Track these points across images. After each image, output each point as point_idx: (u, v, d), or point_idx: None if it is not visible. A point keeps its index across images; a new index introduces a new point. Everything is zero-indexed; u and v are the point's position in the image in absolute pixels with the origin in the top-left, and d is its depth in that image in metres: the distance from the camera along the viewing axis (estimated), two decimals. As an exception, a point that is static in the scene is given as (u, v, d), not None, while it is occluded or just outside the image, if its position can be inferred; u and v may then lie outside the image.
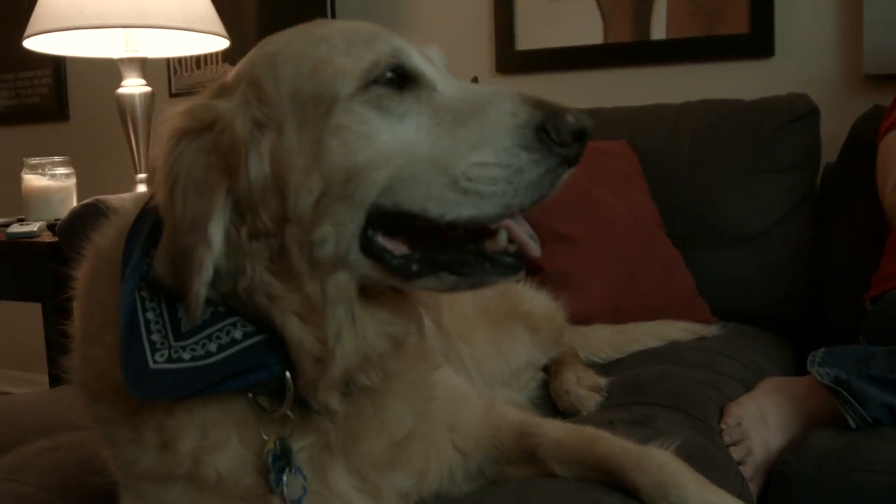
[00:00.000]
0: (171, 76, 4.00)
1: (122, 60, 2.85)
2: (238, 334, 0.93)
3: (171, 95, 4.00)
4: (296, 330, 0.93)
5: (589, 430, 1.21)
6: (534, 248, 0.96)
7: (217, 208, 0.89)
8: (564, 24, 3.17)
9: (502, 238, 0.95)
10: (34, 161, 2.66)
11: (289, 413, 0.97)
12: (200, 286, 0.89)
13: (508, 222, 0.95)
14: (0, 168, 4.07)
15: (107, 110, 3.35)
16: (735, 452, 1.55)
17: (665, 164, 2.59)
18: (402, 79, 0.94)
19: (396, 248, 0.94)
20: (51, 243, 2.29)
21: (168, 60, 3.97)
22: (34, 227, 2.41)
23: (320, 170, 0.91)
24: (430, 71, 0.97)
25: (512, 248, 0.95)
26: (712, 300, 2.43)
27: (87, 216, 2.08)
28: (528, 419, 1.25)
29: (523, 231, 0.96)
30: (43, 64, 4.35)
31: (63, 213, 2.53)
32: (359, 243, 0.93)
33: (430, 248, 0.94)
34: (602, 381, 1.70)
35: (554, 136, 0.89)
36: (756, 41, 2.86)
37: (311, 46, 0.96)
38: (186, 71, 3.96)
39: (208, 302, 0.92)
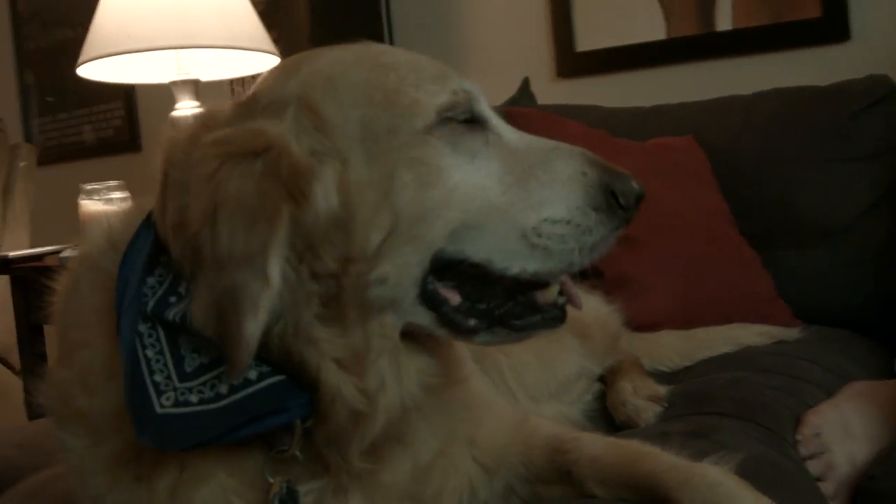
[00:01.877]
0: (233, 97, 4.00)
1: (174, 83, 2.84)
2: (252, 374, 0.83)
3: (234, 119, 4.00)
4: (333, 377, 0.84)
5: (632, 445, 1.08)
6: (579, 302, 0.96)
7: (278, 239, 0.79)
8: (625, 21, 3.04)
9: (554, 291, 0.94)
10: (90, 186, 2.66)
11: (297, 454, 0.89)
12: (255, 330, 0.78)
13: (563, 276, 0.93)
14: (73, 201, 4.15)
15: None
16: (813, 467, 1.39)
17: (736, 159, 2.42)
18: (472, 121, 0.92)
19: (451, 296, 0.89)
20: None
21: (231, 82, 3.98)
22: (86, 251, 2.40)
23: (391, 206, 0.85)
24: (495, 117, 0.95)
25: (561, 301, 0.94)
26: (793, 302, 2.23)
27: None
28: (563, 433, 1.12)
29: (572, 284, 0.96)
30: (115, 96, 4.43)
31: (117, 237, 2.52)
32: (418, 290, 0.88)
33: (478, 297, 0.90)
34: (661, 390, 1.56)
35: (622, 199, 0.90)
36: (829, 25, 2.67)
37: (377, 74, 0.90)
38: (248, 91, 3.96)
39: (210, 340, 0.82)
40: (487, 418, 1.09)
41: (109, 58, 2.66)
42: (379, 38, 3.38)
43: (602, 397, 1.66)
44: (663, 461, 1.03)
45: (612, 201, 0.90)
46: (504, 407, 1.16)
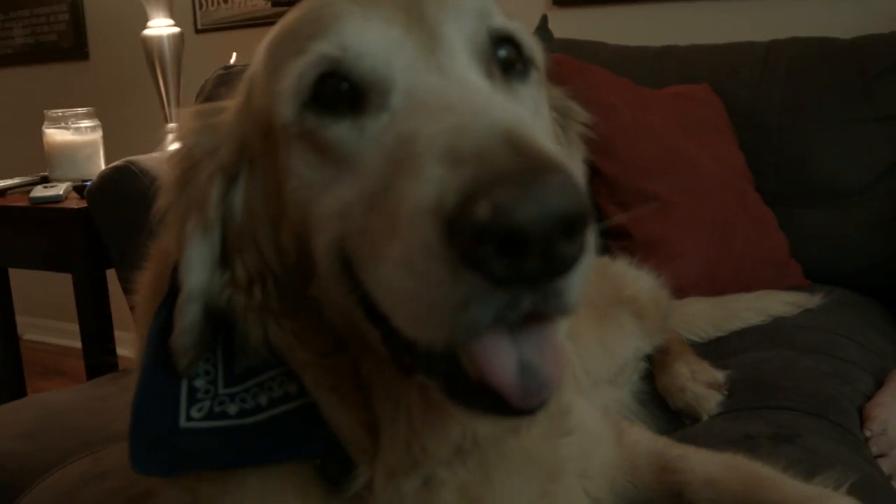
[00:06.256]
0: (197, 11, 3.71)
1: (147, -2, 2.59)
2: (293, 387, 0.72)
3: (197, 32, 3.72)
4: (332, 410, 0.72)
5: (748, 466, 1.00)
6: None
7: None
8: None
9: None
10: (56, 113, 2.40)
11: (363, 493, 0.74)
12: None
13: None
14: (20, 113, 3.86)
15: (129, 49, 3.11)
16: (886, 465, 1.34)
17: (752, 112, 2.32)
18: (353, 94, 0.66)
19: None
20: (79, 209, 2.06)
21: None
22: (60, 189, 2.16)
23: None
24: (402, 67, 0.64)
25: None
26: (807, 262, 2.19)
27: (119, 180, 1.85)
28: (667, 448, 1.04)
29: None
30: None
31: (90, 170, 2.31)
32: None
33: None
34: (720, 376, 1.47)
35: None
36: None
37: (271, 44, 0.75)
38: (213, 5, 3.68)
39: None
40: (594, 446, 0.98)
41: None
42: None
43: (648, 378, 1.57)
44: (789, 490, 0.95)
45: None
46: (600, 423, 1.04)
